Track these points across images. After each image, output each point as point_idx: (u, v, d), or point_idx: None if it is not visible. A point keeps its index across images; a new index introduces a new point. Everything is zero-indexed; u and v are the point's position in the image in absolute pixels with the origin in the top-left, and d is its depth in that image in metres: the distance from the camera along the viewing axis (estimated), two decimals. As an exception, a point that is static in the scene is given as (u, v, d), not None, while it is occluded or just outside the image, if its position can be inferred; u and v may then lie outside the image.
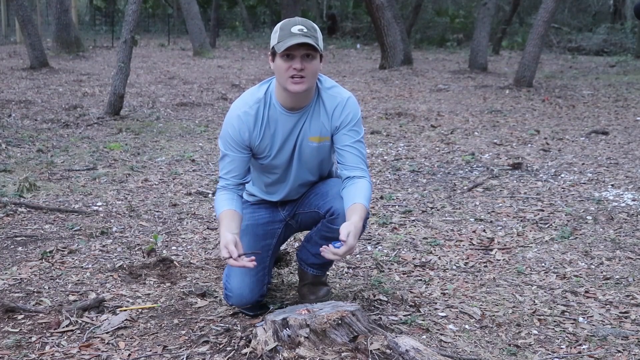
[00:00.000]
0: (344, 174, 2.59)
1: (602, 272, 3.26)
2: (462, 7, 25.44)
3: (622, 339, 2.56)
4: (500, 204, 4.46)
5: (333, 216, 2.60)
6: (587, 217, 4.13)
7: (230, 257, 2.37)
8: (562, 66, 15.48)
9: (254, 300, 2.69)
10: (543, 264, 3.38)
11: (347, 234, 2.32)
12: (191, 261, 3.39)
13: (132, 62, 8.33)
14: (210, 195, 4.66)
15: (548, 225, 4.00)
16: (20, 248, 3.55)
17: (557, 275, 3.23)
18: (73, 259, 3.38)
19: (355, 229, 2.35)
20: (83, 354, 2.41)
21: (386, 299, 2.88)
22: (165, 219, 4.13)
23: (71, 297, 2.91)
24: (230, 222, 2.50)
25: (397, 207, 4.41)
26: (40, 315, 2.70)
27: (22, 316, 2.69)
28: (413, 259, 3.45)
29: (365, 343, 2.22)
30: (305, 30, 2.40)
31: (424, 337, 2.55)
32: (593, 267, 3.34)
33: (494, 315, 2.76)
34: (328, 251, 2.37)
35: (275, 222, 2.82)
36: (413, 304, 2.85)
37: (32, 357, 2.39)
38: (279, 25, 2.46)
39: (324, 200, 2.65)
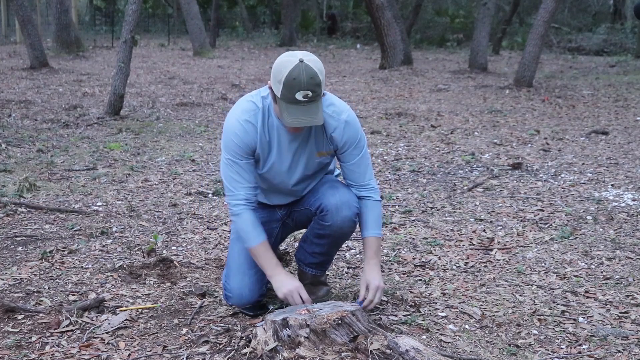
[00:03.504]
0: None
1: (602, 272, 3.26)
2: (462, 7, 25.45)
3: (622, 339, 2.55)
4: (500, 204, 4.46)
5: (323, 212, 2.63)
6: (587, 217, 4.13)
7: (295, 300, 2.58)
8: (562, 66, 15.48)
9: (254, 300, 2.70)
10: (543, 264, 3.38)
11: (364, 290, 2.63)
12: (191, 261, 3.39)
13: (132, 62, 8.33)
14: (210, 195, 4.66)
15: (548, 225, 4.00)
16: (20, 248, 3.55)
17: (557, 275, 3.22)
18: (73, 259, 3.38)
19: (374, 279, 2.63)
20: (83, 354, 2.41)
21: (386, 299, 2.88)
22: (165, 219, 4.13)
23: (71, 297, 2.91)
24: (272, 257, 2.63)
25: (397, 207, 4.41)
26: (40, 315, 2.70)
27: (22, 316, 2.70)
28: (413, 259, 3.45)
29: (365, 343, 2.22)
30: (310, 95, 2.32)
31: (424, 337, 2.54)
32: (593, 267, 3.34)
33: (494, 315, 2.76)
34: (368, 303, 2.63)
35: (272, 221, 2.83)
36: (413, 304, 2.85)
37: (32, 357, 2.39)
38: (284, 76, 2.30)
39: (315, 197, 2.68)
